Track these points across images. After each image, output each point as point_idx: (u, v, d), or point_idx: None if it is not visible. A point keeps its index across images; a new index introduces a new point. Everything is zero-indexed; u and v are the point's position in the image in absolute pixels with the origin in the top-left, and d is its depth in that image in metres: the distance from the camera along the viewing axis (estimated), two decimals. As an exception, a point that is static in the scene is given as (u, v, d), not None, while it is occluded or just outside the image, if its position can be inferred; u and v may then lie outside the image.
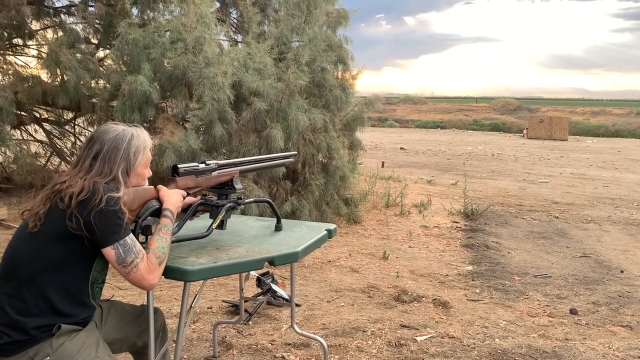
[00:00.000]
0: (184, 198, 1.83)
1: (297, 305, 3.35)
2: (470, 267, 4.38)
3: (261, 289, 3.29)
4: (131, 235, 1.53)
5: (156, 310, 1.98)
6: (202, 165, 1.92)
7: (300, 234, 2.21)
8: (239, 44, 7.12)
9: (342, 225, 5.66)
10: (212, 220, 1.96)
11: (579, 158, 14.82)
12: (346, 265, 4.28)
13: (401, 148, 16.42)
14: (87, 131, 7.61)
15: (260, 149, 5.38)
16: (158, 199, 1.73)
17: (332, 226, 2.35)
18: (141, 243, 1.61)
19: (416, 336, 2.93)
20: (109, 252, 1.48)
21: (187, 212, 1.96)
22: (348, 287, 3.73)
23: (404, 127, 30.29)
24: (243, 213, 5.08)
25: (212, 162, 1.96)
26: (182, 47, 5.35)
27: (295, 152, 2.52)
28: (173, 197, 1.73)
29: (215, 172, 1.96)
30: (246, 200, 2.09)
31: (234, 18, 7.71)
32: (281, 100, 5.46)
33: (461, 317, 3.27)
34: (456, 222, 6.19)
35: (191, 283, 1.79)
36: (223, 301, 3.33)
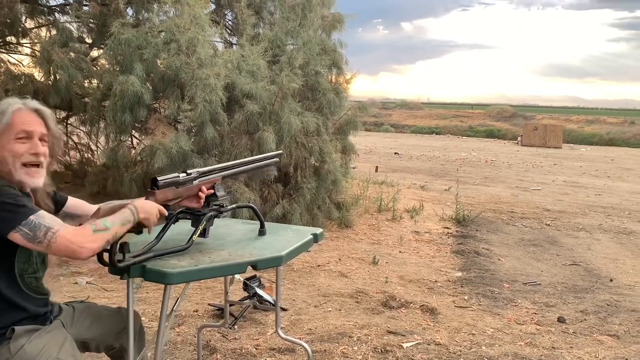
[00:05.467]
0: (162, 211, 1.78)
1: (283, 309, 3.33)
2: (459, 274, 4.37)
3: (248, 292, 3.27)
4: (39, 212, 1.40)
5: (135, 313, 1.96)
6: (182, 175, 1.88)
7: (285, 237, 2.19)
8: (234, 46, 7.11)
9: (333, 230, 5.65)
10: (194, 227, 1.94)
11: (572, 166, 14.87)
12: (335, 270, 4.26)
13: (395, 153, 16.44)
14: (79, 130, 7.58)
15: (252, 152, 5.36)
16: None
17: (318, 230, 2.33)
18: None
19: (402, 343, 2.91)
20: (15, 237, 1.36)
21: (167, 222, 1.93)
22: (336, 292, 3.71)
23: (400, 132, 30.34)
24: (233, 216, 5.06)
25: (193, 171, 1.93)
26: (175, 48, 5.32)
27: (281, 152, 2.49)
28: (146, 204, 1.66)
29: (197, 181, 1.93)
30: (228, 207, 2.06)
31: (229, 20, 7.69)
32: (274, 103, 5.44)
33: (448, 323, 3.25)
34: (447, 228, 6.18)
35: (176, 286, 1.77)
36: (209, 304, 3.30)
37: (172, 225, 2.04)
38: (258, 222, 2.30)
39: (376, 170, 11.52)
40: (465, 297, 3.77)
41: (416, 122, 33.58)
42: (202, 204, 2.01)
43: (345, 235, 5.48)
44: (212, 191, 2.01)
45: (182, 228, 2.05)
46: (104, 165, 6.64)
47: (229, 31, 7.60)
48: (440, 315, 3.39)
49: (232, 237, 2.15)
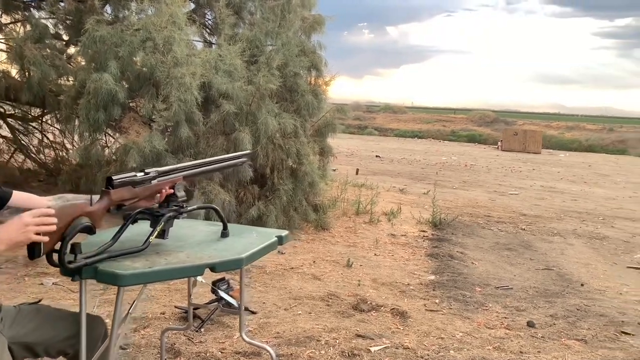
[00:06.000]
0: (117, 208, 1.73)
1: (253, 312, 3.29)
2: (432, 277, 4.37)
3: (215, 295, 3.22)
4: None
5: (97, 317, 1.91)
6: (140, 174, 1.83)
7: (248, 239, 2.16)
8: (213, 45, 7.06)
9: (309, 232, 5.62)
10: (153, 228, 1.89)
11: (550, 171, 15.05)
12: (309, 273, 4.23)
13: (377, 156, 16.47)
14: (53, 128, 7.45)
15: (228, 152, 5.30)
16: (89, 215, 1.64)
17: (283, 232, 2.30)
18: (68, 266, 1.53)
19: (370, 346, 2.89)
20: None
21: (124, 222, 1.88)
22: (308, 295, 3.68)
23: (384, 135, 30.42)
24: (207, 218, 5.01)
25: (152, 170, 1.88)
26: (151, 46, 5.27)
27: (249, 152, 2.46)
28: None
29: (155, 181, 1.88)
30: (189, 208, 2.02)
31: (209, 20, 7.64)
32: (251, 103, 5.40)
33: (418, 327, 3.24)
34: (424, 231, 6.19)
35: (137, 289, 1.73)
36: (175, 307, 3.25)
37: (133, 225, 1.99)
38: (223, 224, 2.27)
39: (357, 173, 11.51)
40: (437, 301, 3.77)
41: (400, 125, 33.73)
42: (164, 204, 1.97)
43: (321, 238, 5.45)
44: (173, 191, 1.97)
45: (142, 229, 2.00)
46: (79, 164, 6.54)
47: (209, 31, 7.54)
48: (410, 318, 3.37)
49: (193, 239, 2.11)
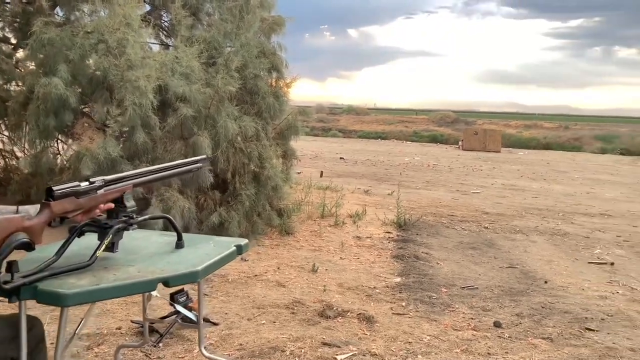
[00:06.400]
0: (60, 220, 1.60)
1: (214, 324, 3.16)
2: (398, 279, 4.32)
3: (174, 308, 3.07)
4: None
5: (34, 319, 1.74)
6: (84, 184, 1.70)
7: (205, 250, 2.04)
8: (170, 47, 6.86)
9: (273, 237, 5.50)
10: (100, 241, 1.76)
11: (511, 169, 15.34)
12: (273, 280, 4.11)
13: (341, 158, 16.46)
14: (2, 136, 7.10)
15: (186, 157, 5.13)
16: (26, 230, 1.50)
17: (242, 241, 2.19)
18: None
19: (337, 355, 2.81)
20: None
21: (70, 236, 1.74)
22: (272, 303, 3.57)
23: (347, 137, 30.50)
24: (165, 227, 4.83)
25: (98, 179, 1.75)
26: (103, 48, 5.06)
27: (205, 156, 2.33)
28: None
29: (102, 190, 1.75)
30: (139, 219, 1.89)
31: (166, 21, 7.43)
32: (210, 106, 5.26)
33: (385, 332, 3.18)
34: (389, 232, 6.16)
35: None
36: (132, 321, 3.09)
37: (80, 239, 1.85)
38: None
39: (321, 176, 11.45)
40: (403, 304, 3.72)
41: (363, 127, 33.90)
42: (113, 215, 1.84)
43: (286, 243, 5.34)
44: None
45: (90, 242, 1.86)
46: (29, 173, 6.24)
47: (165, 33, 7.34)
48: (377, 323, 3.31)
49: (146, 251, 1.98)
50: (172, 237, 2.20)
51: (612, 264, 5.15)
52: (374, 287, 4.07)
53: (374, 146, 23.61)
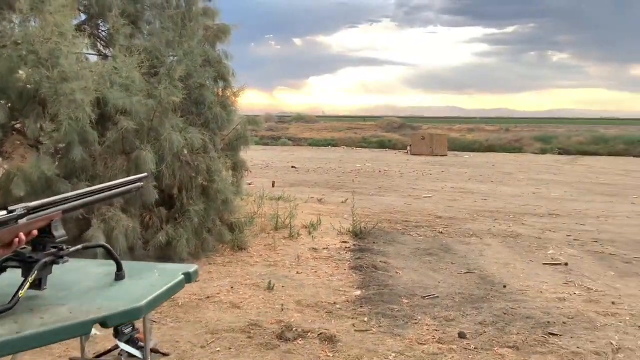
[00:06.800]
0: None
1: (164, 354, 2.91)
2: (358, 292, 4.18)
3: (119, 340, 2.79)
4: None
5: None
6: (2, 213, 1.45)
7: (148, 281, 1.82)
8: (109, 58, 6.51)
9: (225, 253, 5.25)
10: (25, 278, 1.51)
11: (458, 172, 15.61)
12: (226, 301, 3.88)
13: (292, 166, 16.29)
14: None
15: (129, 173, 4.83)
16: None
17: (191, 267, 1.98)
18: None
19: (299, 381, 2.62)
20: None
21: None
22: (227, 327, 3.34)
23: (297, 145, 30.43)
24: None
25: (19, 207, 1.50)
26: (34, 60, 4.69)
27: (146, 174, 2.11)
28: None
29: (24, 219, 1.50)
30: (70, 249, 1.65)
31: (103, 31, 7.06)
32: (152, 118, 4.97)
33: (348, 352, 3.02)
34: (345, 242, 6.03)
35: None
36: (70, 359, 2.79)
37: (1, 276, 1.60)
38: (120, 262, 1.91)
39: (273, 186, 11.23)
40: (365, 319, 3.57)
41: (312, 134, 33.94)
42: (39, 247, 1.60)
43: (239, 259, 5.11)
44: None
45: (13, 279, 1.60)
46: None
47: (104, 43, 6.97)
48: (339, 342, 3.14)
49: (80, 286, 1.74)
50: (112, 266, 1.96)
51: (566, 264, 5.20)
52: (334, 303, 3.91)
53: (325, 153, 23.58)
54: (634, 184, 12.89)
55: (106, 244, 1.86)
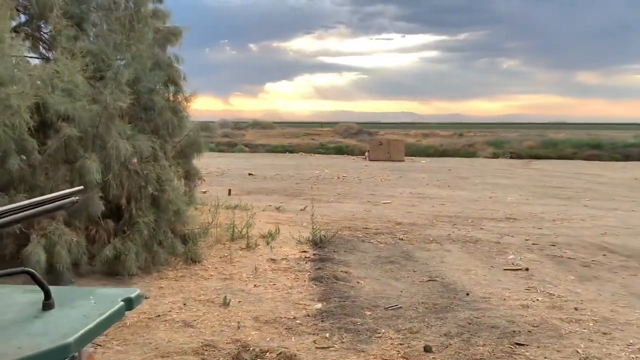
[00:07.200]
0: None
1: (108, 384, 2.64)
2: (319, 305, 4.01)
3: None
4: None
5: None
6: None
7: (82, 310, 1.58)
8: (52, 61, 6.13)
9: (178, 267, 4.98)
10: None
11: (416, 177, 15.70)
12: (179, 319, 3.63)
13: (249, 174, 16.00)
14: None
15: (72, 184, 4.52)
16: None
17: (133, 292, 1.73)
18: None
19: (258, 408, 2.42)
20: None
21: None
22: (178, 349, 3.10)
23: (254, 151, 30.06)
24: (49, 271, 4.18)
25: None
26: (-37, 62, 4.33)
27: (82, 187, 1.87)
28: None
29: None
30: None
31: (46, 33, 6.66)
32: (98, 125, 4.67)
33: (310, 372, 2.84)
34: (305, 251, 5.85)
35: None
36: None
37: None
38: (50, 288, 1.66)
39: (229, 194, 10.94)
40: (327, 335, 3.40)
41: (270, 141, 33.65)
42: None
43: (193, 273, 4.85)
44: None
45: None
46: None
47: (46, 46, 6.58)
48: (300, 362, 2.96)
49: (1, 319, 1.49)
50: (38, 293, 1.72)
51: (527, 269, 5.19)
52: (294, 318, 3.71)
53: (282, 160, 23.36)
54: (585, 187, 13.27)
55: (30, 270, 1.61)
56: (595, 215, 8.79)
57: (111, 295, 1.72)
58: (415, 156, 26.76)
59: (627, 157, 25.16)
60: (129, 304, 1.69)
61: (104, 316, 1.55)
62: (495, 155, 27.33)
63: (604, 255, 5.90)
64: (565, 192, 12.25)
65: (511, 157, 26.59)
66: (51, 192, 4.62)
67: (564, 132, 34.24)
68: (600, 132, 34.64)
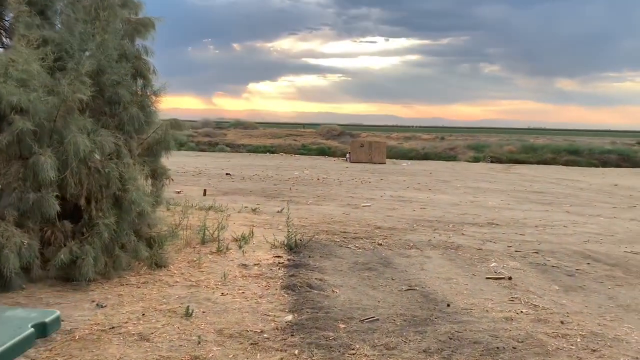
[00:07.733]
0: None
1: (42, 411, 2.32)
2: (289, 317, 3.72)
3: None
4: None
5: None
6: None
7: (-24, 339, 1.28)
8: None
9: (141, 272, 4.65)
10: None
11: (397, 180, 15.50)
12: (135, 332, 3.31)
13: (227, 174, 15.63)
14: None
15: (25, 181, 4.17)
16: None
17: (50, 315, 1.45)
18: None
19: None
20: None
21: None
22: (129, 367, 2.79)
23: (236, 151, 29.66)
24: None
25: None
26: None
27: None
28: None
29: None
30: None
31: (7, 21, 6.28)
32: (55, 118, 4.33)
33: (275, 396, 2.55)
34: (279, 256, 5.55)
35: None
36: None
37: None
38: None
39: (204, 194, 10.60)
40: (296, 352, 3.11)
41: (251, 141, 33.25)
42: None
43: (156, 279, 4.52)
44: None
45: None
46: None
47: (7, 35, 6.19)
48: (265, 383, 2.67)
49: None
50: None
51: (510, 278, 4.97)
52: (261, 331, 3.42)
53: (263, 160, 23.02)
54: (566, 193, 13.20)
55: None
56: (577, 221, 8.65)
57: (20, 319, 1.42)
58: (396, 159, 26.64)
59: (604, 164, 25.42)
60: (42, 329, 1.40)
61: (5, 346, 1.25)
62: (476, 159, 27.35)
63: (588, 264, 5.72)
64: (546, 197, 12.16)
65: (492, 161, 26.65)
66: (2, 190, 4.25)
67: (543, 138, 34.49)
68: (577, 138, 35.03)
